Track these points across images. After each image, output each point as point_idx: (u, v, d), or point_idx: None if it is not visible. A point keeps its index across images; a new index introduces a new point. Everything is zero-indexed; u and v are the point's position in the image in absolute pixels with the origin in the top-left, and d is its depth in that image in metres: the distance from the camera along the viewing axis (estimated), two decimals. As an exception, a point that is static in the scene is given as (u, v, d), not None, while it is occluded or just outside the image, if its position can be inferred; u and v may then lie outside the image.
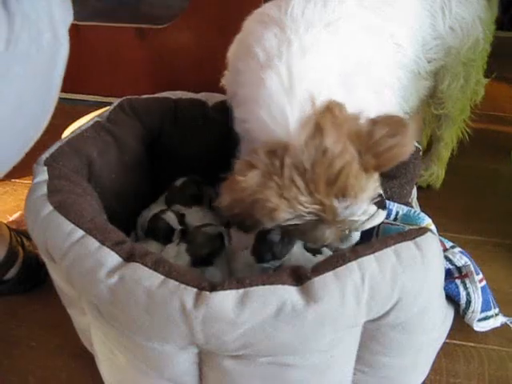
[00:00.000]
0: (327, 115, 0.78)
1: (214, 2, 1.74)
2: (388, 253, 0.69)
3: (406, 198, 1.08)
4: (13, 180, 1.38)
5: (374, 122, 0.78)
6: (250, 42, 0.87)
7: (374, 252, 0.69)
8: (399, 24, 1.07)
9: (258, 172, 0.76)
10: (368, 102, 0.86)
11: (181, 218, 1.01)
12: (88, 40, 1.80)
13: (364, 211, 0.81)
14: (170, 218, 1.00)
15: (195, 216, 1.03)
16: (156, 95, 1.08)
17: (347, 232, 0.88)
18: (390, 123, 0.79)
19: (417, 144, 1.09)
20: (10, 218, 1.27)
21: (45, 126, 0.90)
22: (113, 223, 0.82)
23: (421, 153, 1.11)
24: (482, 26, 1.25)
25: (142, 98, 1.06)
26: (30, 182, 1.33)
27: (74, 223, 0.74)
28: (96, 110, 1.41)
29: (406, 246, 0.71)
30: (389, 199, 1.05)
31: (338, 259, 0.67)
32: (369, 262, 0.67)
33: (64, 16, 0.82)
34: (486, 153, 1.66)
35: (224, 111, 1.05)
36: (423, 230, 0.75)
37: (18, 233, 1.17)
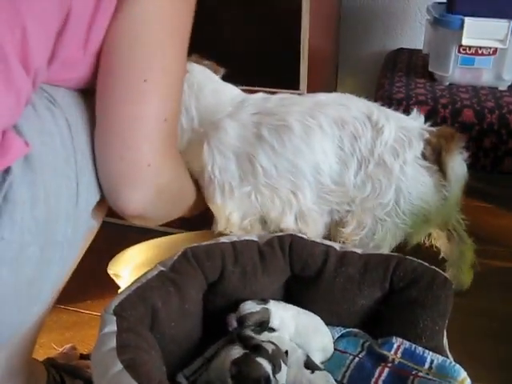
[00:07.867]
0: None
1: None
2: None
3: (439, 337, 1.06)
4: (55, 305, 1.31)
5: None
6: None
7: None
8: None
9: None
10: None
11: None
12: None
13: None
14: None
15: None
16: (213, 241, 1.14)
17: None
18: None
19: (447, 276, 1.09)
20: (60, 350, 1.21)
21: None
22: (167, 364, 0.87)
23: (453, 286, 1.09)
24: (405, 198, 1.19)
25: (203, 244, 1.11)
26: (73, 308, 1.35)
27: (142, 386, 0.76)
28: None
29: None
30: (421, 335, 1.04)
31: None
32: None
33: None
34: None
35: (274, 246, 1.13)
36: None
37: (59, 369, 1.10)
